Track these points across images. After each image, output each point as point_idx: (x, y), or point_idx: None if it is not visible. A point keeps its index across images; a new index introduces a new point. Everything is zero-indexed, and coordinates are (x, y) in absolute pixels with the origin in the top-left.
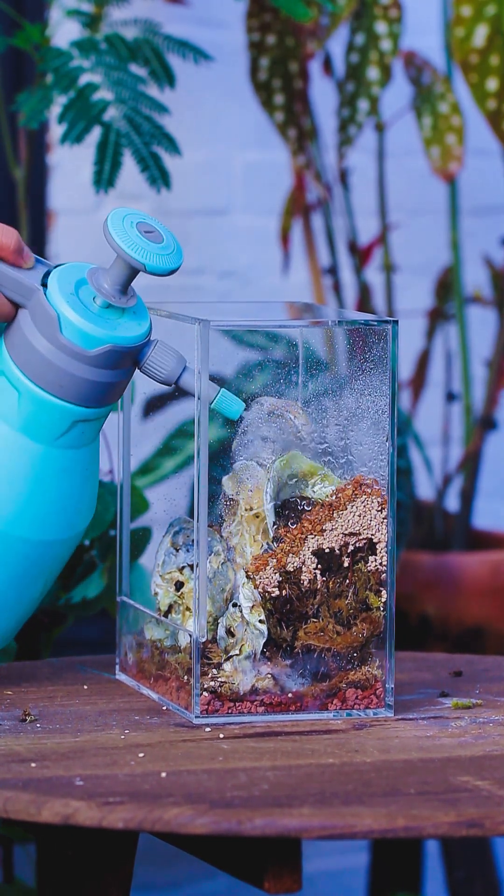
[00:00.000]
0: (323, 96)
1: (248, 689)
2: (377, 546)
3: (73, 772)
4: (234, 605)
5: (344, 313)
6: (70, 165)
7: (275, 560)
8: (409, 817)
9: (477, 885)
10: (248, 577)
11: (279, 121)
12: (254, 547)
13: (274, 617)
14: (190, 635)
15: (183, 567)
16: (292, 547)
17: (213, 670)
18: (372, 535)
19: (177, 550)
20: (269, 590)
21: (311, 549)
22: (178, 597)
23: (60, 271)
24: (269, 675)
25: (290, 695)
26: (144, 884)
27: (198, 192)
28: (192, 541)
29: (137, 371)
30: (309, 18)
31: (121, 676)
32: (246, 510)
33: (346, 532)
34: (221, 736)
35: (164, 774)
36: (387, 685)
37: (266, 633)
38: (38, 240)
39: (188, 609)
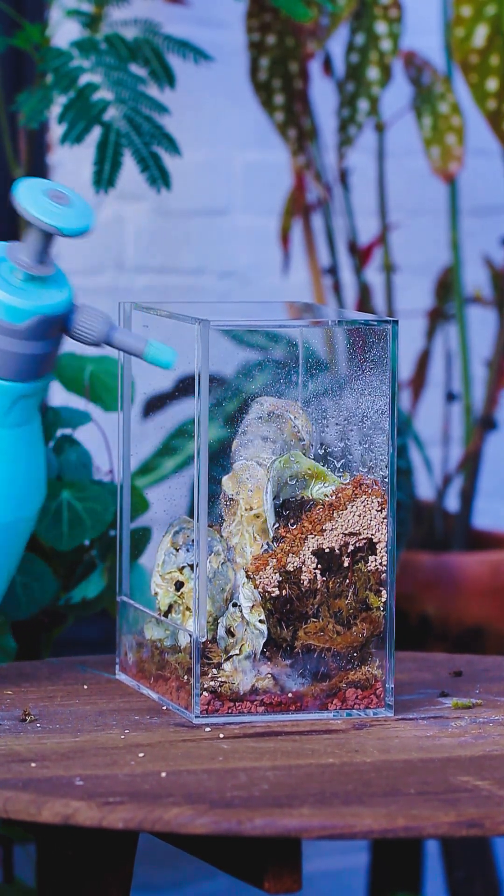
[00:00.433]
0: (323, 96)
1: (248, 689)
2: (377, 546)
3: (73, 772)
4: (234, 604)
5: (344, 313)
6: (70, 165)
7: (275, 560)
8: (409, 817)
9: (477, 885)
10: (248, 576)
11: (279, 121)
12: (254, 547)
13: (274, 617)
14: (190, 635)
15: (183, 567)
16: (292, 547)
17: (213, 670)
18: (372, 535)
19: (177, 550)
20: (269, 590)
21: (311, 549)
22: (178, 596)
23: None
24: (269, 675)
25: (290, 695)
26: (144, 884)
27: (198, 192)
28: (192, 541)
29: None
30: (309, 18)
31: (121, 676)
32: (246, 510)
33: (346, 532)
34: (221, 736)
35: (164, 774)
36: (387, 685)
37: (266, 632)
38: None
39: (188, 609)
